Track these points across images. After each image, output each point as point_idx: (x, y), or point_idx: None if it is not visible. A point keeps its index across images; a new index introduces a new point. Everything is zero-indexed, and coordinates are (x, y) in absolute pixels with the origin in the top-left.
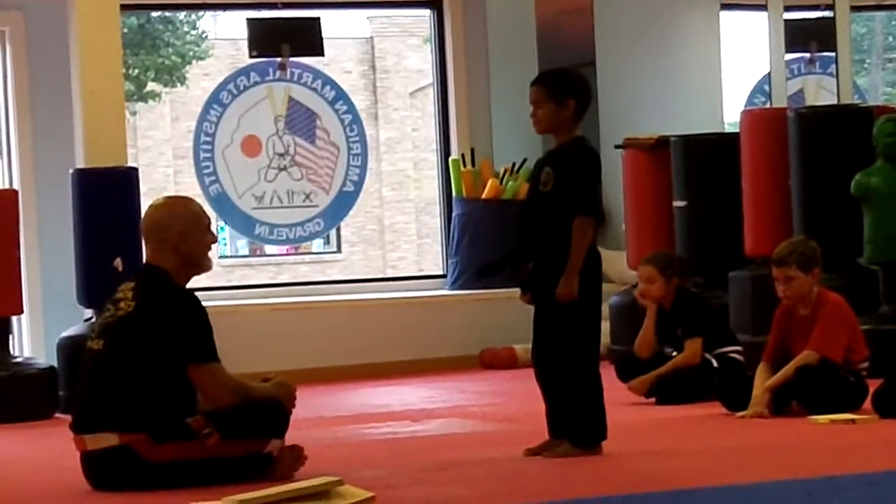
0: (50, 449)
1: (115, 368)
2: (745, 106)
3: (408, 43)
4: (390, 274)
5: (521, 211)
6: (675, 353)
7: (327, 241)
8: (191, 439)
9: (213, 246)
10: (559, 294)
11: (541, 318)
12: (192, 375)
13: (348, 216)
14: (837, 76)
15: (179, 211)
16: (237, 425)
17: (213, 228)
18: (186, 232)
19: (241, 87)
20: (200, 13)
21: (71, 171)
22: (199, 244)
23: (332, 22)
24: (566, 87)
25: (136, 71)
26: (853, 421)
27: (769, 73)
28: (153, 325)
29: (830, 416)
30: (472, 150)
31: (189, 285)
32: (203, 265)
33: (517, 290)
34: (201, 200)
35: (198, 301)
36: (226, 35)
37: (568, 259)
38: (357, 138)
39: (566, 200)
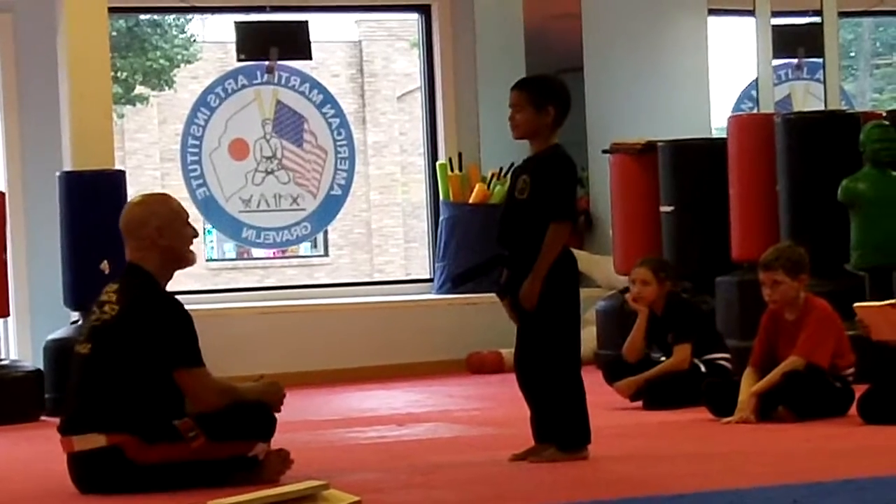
0: (36, 451)
1: (103, 372)
2: (733, 111)
3: (396, 47)
4: (377, 278)
5: (498, 218)
6: (662, 358)
7: (314, 245)
8: (178, 441)
9: (196, 240)
10: (521, 297)
11: (521, 324)
12: (179, 380)
13: (336, 220)
14: (825, 82)
15: (156, 207)
16: (224, 428)
17: (199, 228)
18: (164, 227)
19: (229, 91)
20: (189, 16)
21: (58, 173)
22: (179, 238)
23: (320, 25)
24: (548, 94)
25: (124, 74)
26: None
27: (756, 79)
28: (138, 330)
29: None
30: (460, 155)
31: (175, 288)
32: (185, 258)
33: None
34: (188, 204)
35: (181, 306)
36: (214, 38)
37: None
38: (345, 142)
39: (542, 208)
